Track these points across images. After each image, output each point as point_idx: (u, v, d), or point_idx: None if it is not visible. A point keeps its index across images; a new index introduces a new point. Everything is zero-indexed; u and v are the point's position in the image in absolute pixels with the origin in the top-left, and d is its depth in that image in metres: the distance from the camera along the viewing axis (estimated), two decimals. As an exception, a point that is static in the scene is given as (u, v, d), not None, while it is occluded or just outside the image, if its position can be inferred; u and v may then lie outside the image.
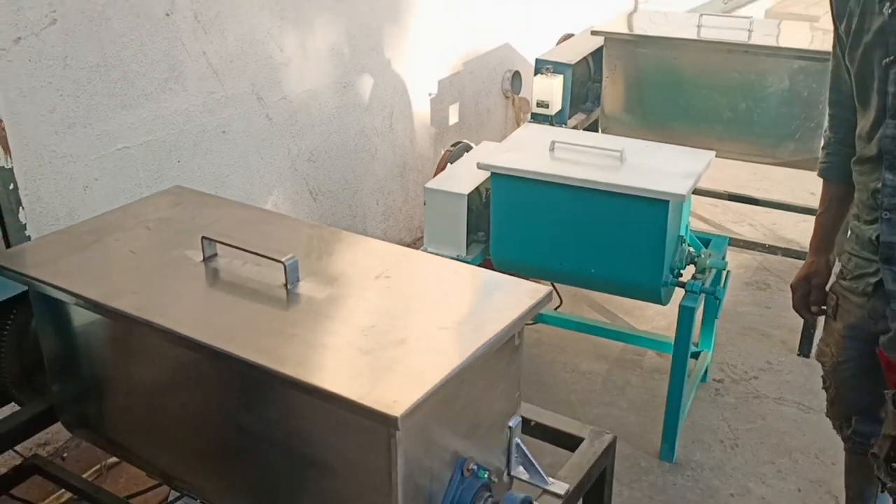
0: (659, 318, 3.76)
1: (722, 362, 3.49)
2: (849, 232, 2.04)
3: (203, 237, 1.64)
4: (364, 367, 1.34)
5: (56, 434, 2.85)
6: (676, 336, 2.78)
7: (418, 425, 1.31)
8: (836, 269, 2.12)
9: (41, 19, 2.57)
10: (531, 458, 1.64)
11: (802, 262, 2.27)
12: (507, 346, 1.52)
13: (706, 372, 3.36)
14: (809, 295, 2.21)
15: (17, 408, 2.03)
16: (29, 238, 2.68)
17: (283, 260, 1.53)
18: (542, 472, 1.65)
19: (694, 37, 3.52)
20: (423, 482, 1.40)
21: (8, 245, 2.68)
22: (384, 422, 1.23)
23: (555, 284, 3.02)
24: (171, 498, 1.96)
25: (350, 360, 1.36)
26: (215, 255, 1.66)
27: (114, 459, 2.76)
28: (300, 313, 1.50)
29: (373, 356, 1.36)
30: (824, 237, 2.21)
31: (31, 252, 1.71)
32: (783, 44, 3.43)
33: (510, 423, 1.61)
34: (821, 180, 2.19)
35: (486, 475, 1.52)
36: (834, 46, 1.98)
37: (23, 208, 2.65)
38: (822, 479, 2.87)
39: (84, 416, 1.80)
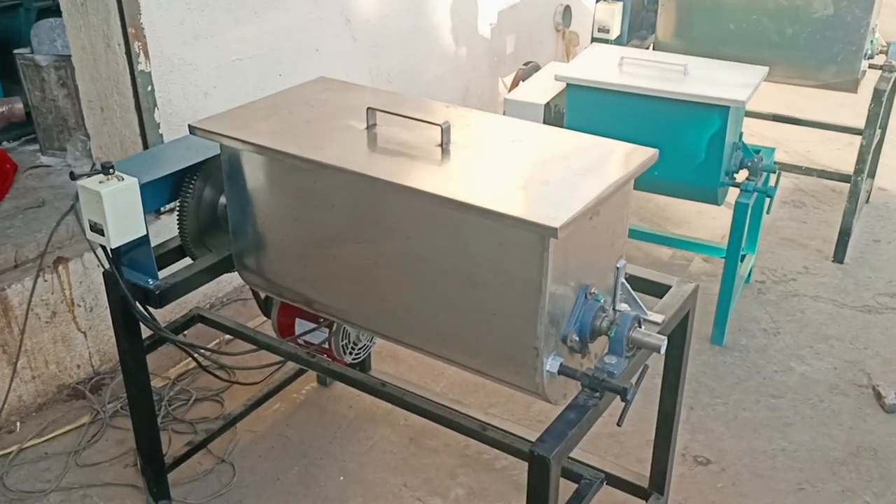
0: (702, 231, 4.11)
1: (763, 267, 3.84)
2: None
3: (368, 108, 1.98)
4: (521, 198, 1.70)
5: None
6: (731, 228, 3.13)
7: (561, 244, 1.66)
8: None
9: (176, -61, 2.90)
10: (633, 293, 2.00)
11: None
12: (622, 195, 1.86)
13: (750, 273, 3.71)
14: None
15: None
16: (162, 136, 3.04)
17: (440, 123, 1.88)
18: (642, 305, 2.00)
19: (745, -34, 3.80)
20: (559, 298, 1.75)
21: (146, 142, 3.04)
22: (545, 232, 1.59)
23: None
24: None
25: (508, 193, 1.72)
26: (375, 124, 2.01)
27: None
28: (457, 164, 1.85)
29: (525, 191, 1.72)
30: None
31: (222, 120, 2.05)
32: (829, -28, 3.70)
33: (618, 265, 1.96)
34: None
35: (602, 300, 1.88)
36: None
37: (157, 109, 3.02)
38: (856, 359, 3.23)
39: (257, 263, 2.15)
